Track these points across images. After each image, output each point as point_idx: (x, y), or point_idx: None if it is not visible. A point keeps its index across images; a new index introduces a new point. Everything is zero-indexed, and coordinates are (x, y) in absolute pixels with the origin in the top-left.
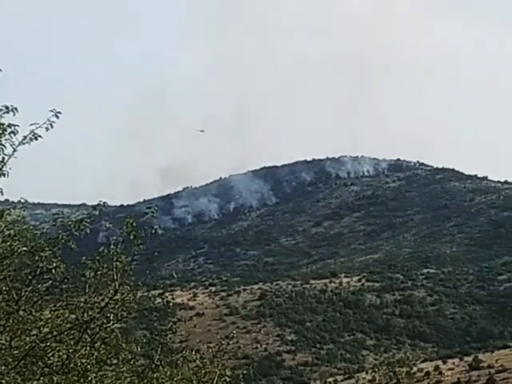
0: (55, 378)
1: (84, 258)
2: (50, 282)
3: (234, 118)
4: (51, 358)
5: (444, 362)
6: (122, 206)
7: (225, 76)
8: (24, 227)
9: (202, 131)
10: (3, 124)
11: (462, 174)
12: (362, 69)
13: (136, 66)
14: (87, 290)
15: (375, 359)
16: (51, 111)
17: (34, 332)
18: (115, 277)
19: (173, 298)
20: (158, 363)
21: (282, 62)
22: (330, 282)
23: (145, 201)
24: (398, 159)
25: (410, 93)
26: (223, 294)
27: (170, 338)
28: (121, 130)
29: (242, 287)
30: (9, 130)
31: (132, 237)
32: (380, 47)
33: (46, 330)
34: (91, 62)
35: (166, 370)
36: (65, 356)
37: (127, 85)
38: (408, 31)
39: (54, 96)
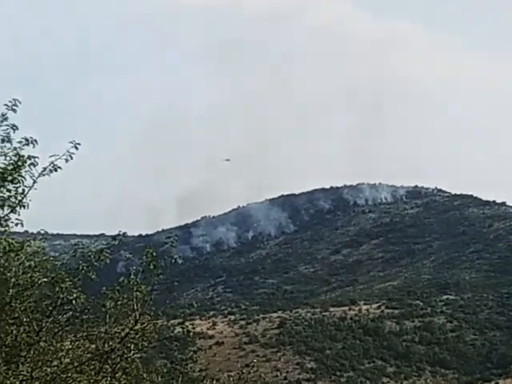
0: None
1: (104, 288)
2: (71, 312)
3: (249, 145)
4: None
5: None
6: (140, 235)
7: (239, 104)
8: (44, 258)
9: (228, 160)
10: (23, 156)
11: (480, 199)
12: (377, 95)
13: (150, 93)
14: (107, 321)
15: None
16: (70, 142)
17: (55, 363)
18: (135, 307)
19: (193, 327)
20: None
21: (295, 90)
22: (350, 309)
23: (163, 230)
24: (416, 186)
25: (427, 119)
26: (242, 322)
27: (191, 368)
28: (135, 158)
29: (261, 315)
30: (28, 161)
31: (152, 266)
32: (394, 74)
33: (67, 360)
34: (104, 90)
35: None
36: None
37: (142, 113)
38: (420, 60)
39: (66, 125)
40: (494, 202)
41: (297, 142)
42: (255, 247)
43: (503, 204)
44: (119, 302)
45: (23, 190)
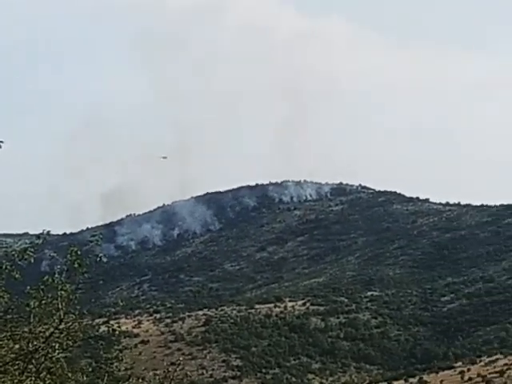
0: None
1: (28, 287)
2: None
3: (173, 144)
4: None
5: None
6: (65, 234)
7: (162, 103)
8: None
9: (165, 158)
10: None
11: (404, 196)
12: (301, 94)
13: (72, 93)
14: (32, 320)
15: (321, 383)
16: None
17: None
18: (60, 306)
19: (118, 326)
20: None
21: (218, 89)
22: (275, 306)
23: (88, 229)
24: (341, 183)
25: (351, 117)
26: (168, 320)
27: (116, 367)
28: (59, 157)
29: (187, 313)
30: None
31: (76, 265)
32: (317, 74)
33: None
34: (32, 89)
35: None
36: None
37: (64, 112)
38: (345, 58)
39: None
40: (417, 198)
41: (221, 139)
42: (181, 245)
43: (426, 200)
44: (43, 302)
45: None
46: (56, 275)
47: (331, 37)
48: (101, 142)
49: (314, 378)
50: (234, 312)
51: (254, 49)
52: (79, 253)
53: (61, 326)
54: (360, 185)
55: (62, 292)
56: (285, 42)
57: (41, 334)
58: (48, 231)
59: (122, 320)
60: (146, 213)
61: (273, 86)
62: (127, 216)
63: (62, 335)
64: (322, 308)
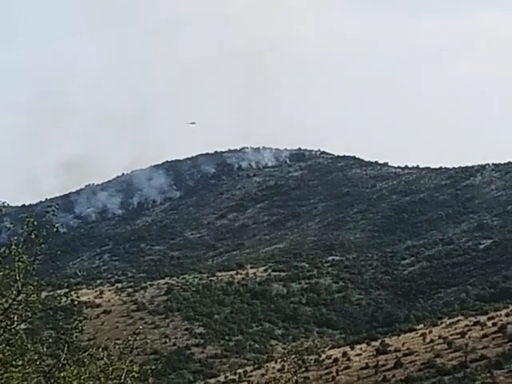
0: None
1: None
2: None
3: (131, 113)
4: None
5: (352, 348)
6: (23, 205)
7: (120, 71)
8: None
9: (193, 123)
10: None
11: (363, 160)
12: (259, 60)
13: (30, 63)
14: None
15: (284, 348)
16: None
17: None
18: (18, 277)
19: (77, 297)
20: (65, 362)
21: (177, 57)
22: (237, 273)
23: (46, 200)
24: (300, 148)
25: (307, 83)
26: (130, 290)
27: (77, 337)
28: (18, 128)
29: (149, 282)
30: None
31: (33, 236)
32: (275, 39)
33: None
34: None
35: (73, 368)
36: None
37: (22, 83)
38: (303, 22)
39: None
40: (376, 162)
41: (180, 105)
42: (141, 214)
43: (385, 164)
44: (1, 273)
45: None
46: (13, 246)
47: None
48: (59, 110)
49: (276, 344)
50: (196, 280)
51: (214, 12)
52: (36, 223)
53: (19, 298)
54: (319, 150)
55: (20, 263)
56: (244, 4)
57: None
58: (4, 202)
59: (84, 290)
60: (104, 182)
61: (232, 49)
62: (86, 186)
63: (21, 307)
64: (283, 274)
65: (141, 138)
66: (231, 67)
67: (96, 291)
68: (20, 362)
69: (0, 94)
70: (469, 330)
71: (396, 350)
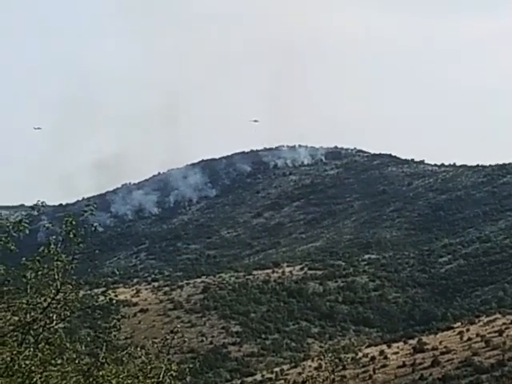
0: (0, 381)
1: (24, 259)
2: None
3: (164, 111)
4: None
5: (389, 347)
6: (60, 205)
7: (156, 69)
8: None
9: (256, 121)
10: None
11: (399, 158)
12: (293, 56)
13: (61, 62)
14: (29, 291)
15: (320, 347)
16: None
17: None
18: (56, 276)
19: (115, 295)
20: (104, 361)
21: (211, 52)
22: (273, 272)
23: (83, 199)
24: (336, 147)
25: (345, 80)
26: (166, 288)
27: (115, 336)
28: (52, 127)
29: (185, 281)
30: None
31: (72, 235)
32: (311, 34)
33: None
34: (17, 61)
35: (111, 367)
36: (9, 358)
37: (53, 81)
38: (342, 19)
39: None
40: (412, 160)
41: (215, 104)
42: (177, 213)
43: (422, 162)
44: (40, 273)
45: None
46: (52, 246)
47: None
48: (92, 111)
49: (313, 342)
50: (232, 279)
51: (244, 9)
52: (74, 223)
53: (58, 297)
54: (355, 148)
55: (58, 262)
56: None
57: (38, 305)
58: (43, 202)
59: (121, 289)
60: (141, 181)
61: (267, 48)
62: (123, 185)
63: (60, 305)
64: (319, 272)
65: (175, 137)
66: (267, 65)
67: (133, 290)
68: (59, 361)
69: (32, 93)
70: (506, 328)
71: (433, 349)
